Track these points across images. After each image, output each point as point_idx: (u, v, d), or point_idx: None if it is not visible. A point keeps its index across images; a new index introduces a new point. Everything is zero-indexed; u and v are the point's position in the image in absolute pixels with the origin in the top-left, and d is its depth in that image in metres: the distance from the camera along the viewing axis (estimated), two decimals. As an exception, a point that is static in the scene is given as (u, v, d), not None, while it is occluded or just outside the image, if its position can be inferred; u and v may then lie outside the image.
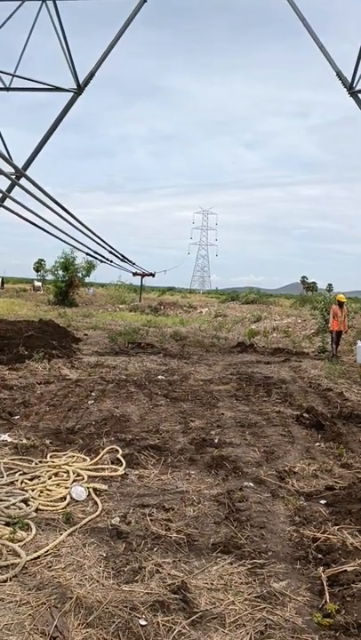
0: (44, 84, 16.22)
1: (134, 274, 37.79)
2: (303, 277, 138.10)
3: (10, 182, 14.45)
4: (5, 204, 11.88)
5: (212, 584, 3.70)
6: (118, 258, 19.90)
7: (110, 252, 17.87)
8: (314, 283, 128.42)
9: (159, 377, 12.16)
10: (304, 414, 8.66)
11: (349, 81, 14.65)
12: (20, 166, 15.66)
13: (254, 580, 3.76)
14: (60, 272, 41.22)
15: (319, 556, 4.11)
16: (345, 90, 14.74)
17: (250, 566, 3.95)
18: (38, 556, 3.94)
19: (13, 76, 15.98)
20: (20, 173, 10.02)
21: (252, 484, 5.64)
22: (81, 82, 16.32)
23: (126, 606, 3.36)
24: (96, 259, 18.46)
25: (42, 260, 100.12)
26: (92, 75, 16.36)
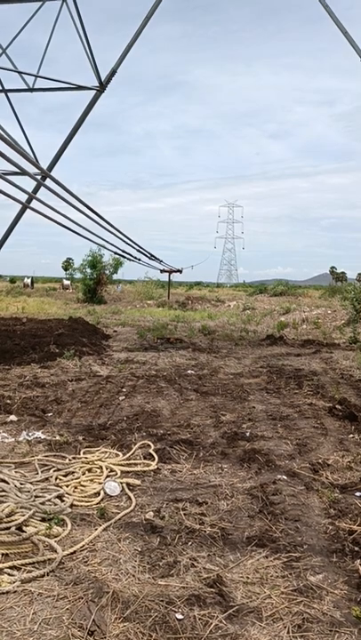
0: (66, 83, 16.33)
1: (162, 271, 37.94)
2: (332, 267, 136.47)
3: (35, 183, 14.58)
4: (32, 205, 11.99)
5: (247, 578, 3.69)
6: (146, 256, 19.98)
7: (138, 251, 17.93)
8: (343, 272, 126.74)
9: (189, 371, 12.16)
10: (337, 406, 8.56)
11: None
12: (45, 167, 15.84)
13: (290, 574, 3.74)
14: (88, 270, 41.56)
15: (356, 548, 4.06)
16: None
17: (285, 560, 3.92)
18: (74, 551, 3.99)
19: (36, 76, 16.13)
20: (45, 174, 10.10)
21: (285, 477, 5.60)
22: (103, 79, 16.37)
23: (162, 600, 3.37)
24: (124, 257, 18.60)
25: (70, 258, 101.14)
26: (113, 72, 16.39)
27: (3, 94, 16.85)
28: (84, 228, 10.35)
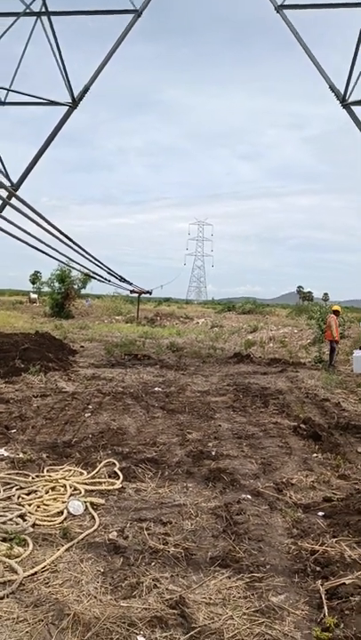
0: (38, 97, 16.30)
1: (132, 291, 37.91)
2: (299, 287, 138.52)
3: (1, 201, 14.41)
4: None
5: (210, 598, 3.69)
6: (116, 278, 19.95)
7: (108, 273, 17.87)
8: (310, 292, 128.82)
9: (156, 389, 12.15)
10: (301, 425, 8.67)
11: (342, 93, 14.76)
12: (15, 180, 15.73)
13: (253, 594, 3.75)
14: (56, 284, 41.32)
15: (317, 568, 4.10)
16: (338, 102, 14.84)
17: (248, 580, 3.93)
18: (35, 573, 3.92)
19: (9, 90, 16.07)
20: (11, 193, 9.93)
21: (249, 497, 5.63)
22: (76, 96, 16.41)
23: (124, 622, 3.34)
24: (95, 278, 18.47)
25: (38, 272, 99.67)
26: (86, 89, 16.45)
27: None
28: (53, 248, 10.22)
